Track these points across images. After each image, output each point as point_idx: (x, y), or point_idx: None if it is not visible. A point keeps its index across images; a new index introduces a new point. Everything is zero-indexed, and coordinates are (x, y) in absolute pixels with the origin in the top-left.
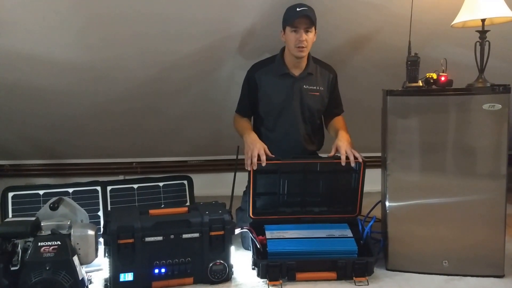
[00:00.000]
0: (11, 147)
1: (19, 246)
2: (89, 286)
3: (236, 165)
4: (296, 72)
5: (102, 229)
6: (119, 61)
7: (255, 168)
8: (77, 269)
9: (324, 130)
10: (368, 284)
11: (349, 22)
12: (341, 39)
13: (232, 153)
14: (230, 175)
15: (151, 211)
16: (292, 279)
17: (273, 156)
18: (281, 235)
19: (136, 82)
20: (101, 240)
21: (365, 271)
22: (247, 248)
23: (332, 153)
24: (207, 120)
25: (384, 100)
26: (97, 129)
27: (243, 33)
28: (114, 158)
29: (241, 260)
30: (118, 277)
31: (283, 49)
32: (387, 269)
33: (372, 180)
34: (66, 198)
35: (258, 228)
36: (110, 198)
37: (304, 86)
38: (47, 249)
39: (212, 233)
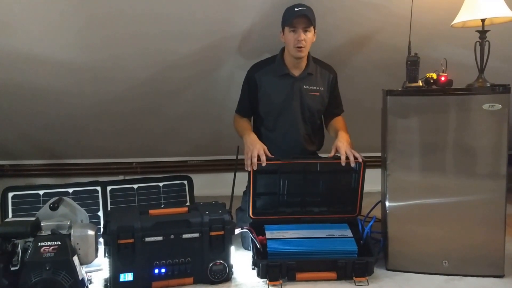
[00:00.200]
0: (11, 147)
1: (19, 246)
2: (89, 286)
3: (236, 165)
4: (296, 72)
5: (102, 229)
6: (119, 61)
7: (255, 168)
8: (77, 269)
9: (324, 130)
10: (368, 284)
11: (349, 22)
12: (341, 39)
13: (232, 153)
14: (230, 175)
15: (151, 211)
16: (292, 279)
17: (273, 156)
18: (281, 235)
19: (136, 82)
20: (101, 240)
21: (365, 271)
22: (247, 248)
23: (332, 154)
24: (207, 120)
25: (384, 100)
26: (97, 129)
27: (243, 33)
28: (114, 158)
29: (241, 260)
30: (118, 277)
31: (283, 49)
32: (387, 269)
33: (372, 180)
34: (66, 198)
35: (258, 228)
36: (110, 198)
37: (304, 86)
38: (47, 249)
39: (212, 233)
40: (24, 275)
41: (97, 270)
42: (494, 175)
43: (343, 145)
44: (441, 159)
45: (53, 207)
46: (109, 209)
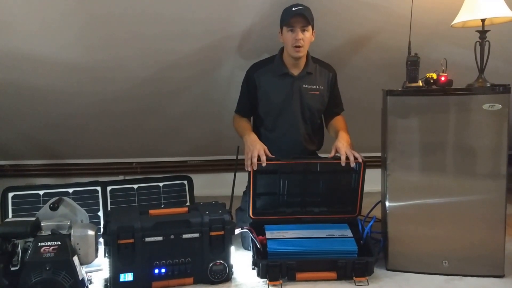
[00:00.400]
0: (11, 147)
1: (19, 246)
2: (89, 286)
3: (236, 165)
4: (296, 72)
5: (102, 229)
6: (119, 61)
7: (255, 168)
8: (77, 269)
9: (324, 129)
10: (368, 284)
11: (349, 23)
12: (341, 39)
13: (232, 153)
14: (230, 175)
15: (151, 211)
16: (292, 279)
17: (273, 156)
18: (281, 235)
19: (136, 82)
20: (101, 240)
21: (365, 271)
22: (247, 248)
23: (332, 154)
24: (207, 120)
25: (384, 100)
26: (97, 129)
27: (243, 33)
28: (114, 158)
29: (241, 260)
30: (118, 277)
31: (282, 49)
32: (387, 269)
33: (372, 180)
34: (66, 198)
35: (258, 228)
36: (110, 198)
37: (304, 86)
38: (47, 249)
39: (212, 233)
40: (24, 275)
41: (97, 270)
42: (494, 175)
43: (343, 146)
44: (441, 159)
45: (53, 207)
46: (109, 209)
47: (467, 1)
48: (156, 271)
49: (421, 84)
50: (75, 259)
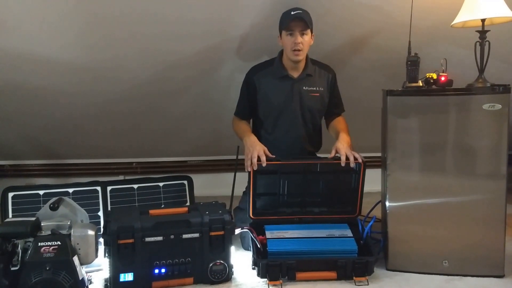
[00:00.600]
0: (11, 147)
1: (19, 246)
2: (89, 286)
3: (236, 165)
4: (295, 74)
5: (102, 229)
6: (119, 61)
7: (255, 168)
8: (77, 269)
9: (323, 131)
10: (368, 284)
11: (349, 23)
12: (341, 40)
13: (232, 153)
14: (230, 175)
15: (151, 211)
16: (292, 278)
17: (273, 156)
18: (281, 235)
19: (136, 82)
20: (101, 240)
21: (365, 271)
22: (246, 249)
23: (332, 155)
24: (207, 120)
25: (384, 100)
26: (97, 129)
27: (243, 35)
28: (114, 158)
29: (241, 260)
30: (118, 277)
31: (281, 52)
32: (387, 269)
33: (372, 180)
34: (66, 198)
35: (258, 228)
36: (110, 198)
37: (304, 88)
38: (47, 249)
39: (212, 233)
40: (24, 275)
41: (97, 270)
42: (494, 175)
43: (343, 146)
44: (441, 159)
45: (53, 207)
46: (109, 209)
47: (467, 1)
48: (156, 271)
49: (421, 84)
50: (75, 259)
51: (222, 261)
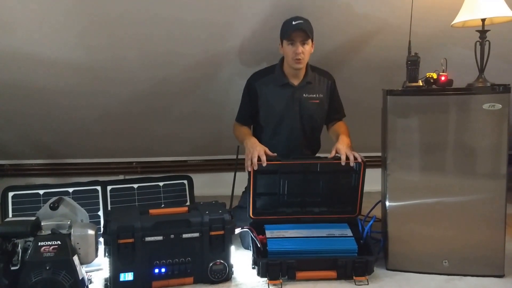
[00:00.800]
0: (11, 147)
1: (19, 245)
2: (89, 286)
3: (236, 165)
4: (296, 82)
5: (102, 229)
6: (120, 62)
7: (255, 168)
8: (77, 268)
9: (322, 134)
10: (368, 284)
11: (349, 23)
12: (341, 40)
13: (232, 153)
14: (230, 175)
15: (151, 211)
16: (292, 278)
17: (275, 154)
18: (281, 234)
19: (137, 83)
20: (101, 240)
21: (365, 270)
22: (246, 248)
23: (332, 155)
24: (207, 120)
25: (384, 100)
26: (97, 129)
27: (243, 36)
28: (114, 158)
29: (241, 260)
30: (118, 277)
31: (282, 59)
32: (387, 269)
33: (372, 180)
34: (66, 197)
35: (258, 228)
36: (110, 198)
37: (304, 95)
38: (47, 249)
39: (212, 233)
40: (24, 275)
41: (97, 270)
42: (494, 175)
43: (343, 147)
44: (441, 159)
45: (53, 207)
46: (109, 208)
47: (467, 1)
48: (156, 270)
49: (421, 84)
50: (75, 258)
51: (222, 261)
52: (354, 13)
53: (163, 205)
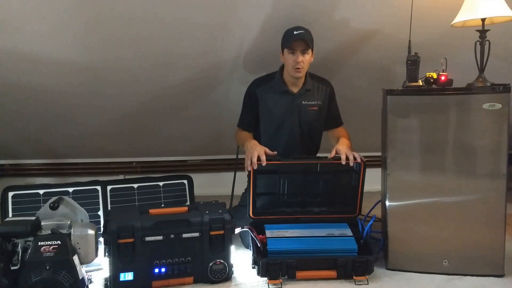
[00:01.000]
0: (11, 147)
1: (19, 245)
2: (89, 285)
3: (236, 165)
4: (295, 89)
5: (102, 229)
6: (119, 62)
7: (255, 168)
8: (77, 268)
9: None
10: (368, 284)
11: (349, 22)
12: (341, 39)
13: (232, 152)
14: (230, 174)
15: (151, 211)
16: (292, 277)
17: (275, 152)
18: (281, 234)
19: (137, 83)
20: (101, 239)
21: (365, 270)
22: (247, 246)
23: (332, 155)
24: (207, 120)
25: (384, 99)
26: (97, 129)
27: (243, 37)
28: (114, 158)
29: (241, 259)
30: (118, 277)
31: (282, 67)
32: (387, 269)
33: (372, 180)
34: (66, 197)
35: (258, 228)
36: (110, 198)
37: (303, 102)
38: (47, 249)
39: (212, 233)
40: (24, 275)
41: (97, 270)
42: (494, 175)
43: (343, 147)
44: (441, 159)
45: (53, 207)
46: (109, 208)
47: (467, 0)
48: (156, 270)
49: (421, 84)
50: (75, 258)
51: (222, 261)
52: (354, 13)
53: (163, 205)
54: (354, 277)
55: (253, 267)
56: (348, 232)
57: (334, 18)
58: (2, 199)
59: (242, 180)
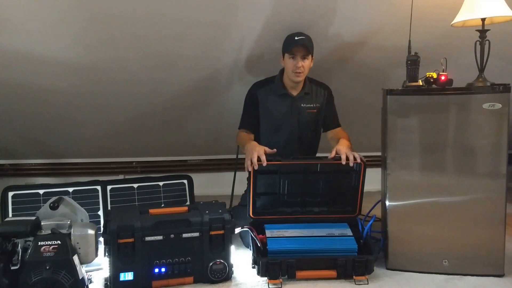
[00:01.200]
0: (11, 146)
1: (19, 245)
2: (89, 285)
3: (236, 165)
4: (294, 93)
5: (102, 229)
6: (119, 62)
7: (255, 168)
8: (77, 268)
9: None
10: (368, 283)
11: (349, 22)
12: (341, 39)
13: (232, 152)
14: (230, 174)
15: (151, 211)
16: (292, 277)
17: (274, 150)
18: (281, 233)
19: (137, 83)
20: (101, 239)
21: (365, 270)
22: (247, 246)
23: (332, 155)
24: (207, 120)
25: (384, 99)
26: (97, 129)
27: (244, 38)
28: (114, 158)
29: (241, 259)
30: (118, 277)
31: (282, 71)
32: (387, 269)
33: (372, 180)
34: (66, 197)
35: (258, 228)
36: (110, 198)
37: (302, 105)
38: (47, 249)
39: (212, 233)
40: (24, 275)
41: (97, 270)
42: (494, 175)
43: (343, 148)
44: (441, 159)
45: (53, 207)
46: (109, 208)
47: (467, 0)
48: (156, 270)
49: (421, 84)
50: (75, 258)
51: (222, 260)
52: (354, 12)
53: (163, 205)
54: (354, 277)
55: (253, 267)
56: (348, 232)
57: (335, 20)
58: (2, 199)
59: (242, 180)
